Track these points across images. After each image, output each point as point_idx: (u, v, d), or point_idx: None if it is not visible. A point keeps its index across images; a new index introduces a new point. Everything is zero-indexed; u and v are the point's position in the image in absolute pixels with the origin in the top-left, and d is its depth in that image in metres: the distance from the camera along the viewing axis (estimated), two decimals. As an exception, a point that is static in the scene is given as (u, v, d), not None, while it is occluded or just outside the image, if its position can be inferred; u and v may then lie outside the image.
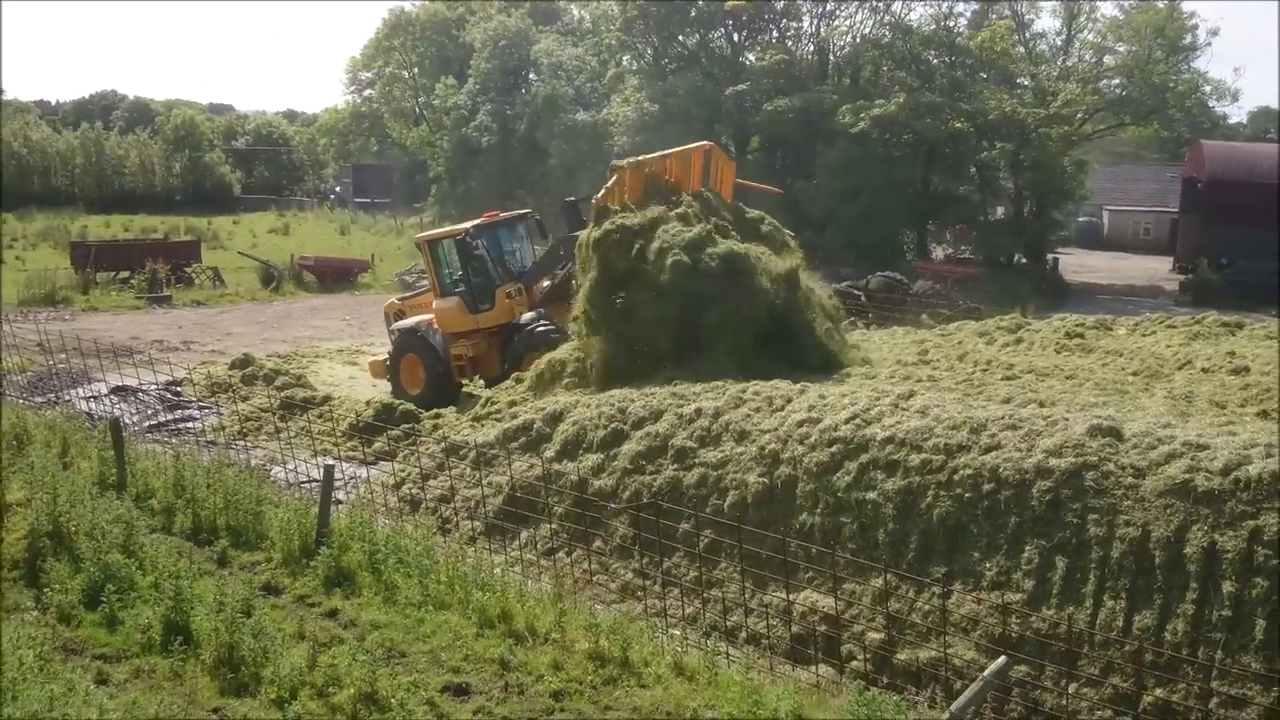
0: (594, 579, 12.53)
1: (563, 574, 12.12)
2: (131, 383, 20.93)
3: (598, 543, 12.98)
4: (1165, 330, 20.81)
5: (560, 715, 8.77)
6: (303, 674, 9.01)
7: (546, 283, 23.01)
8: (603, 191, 19.58)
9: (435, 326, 23.07)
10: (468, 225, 23.54)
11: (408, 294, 27.78)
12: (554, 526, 13.32)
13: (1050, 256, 50.78)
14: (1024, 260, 49.45)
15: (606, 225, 18.36)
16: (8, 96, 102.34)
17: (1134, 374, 17.07)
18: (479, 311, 22.85)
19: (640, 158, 20.84)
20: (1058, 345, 20.05)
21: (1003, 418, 11.60)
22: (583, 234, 19.36)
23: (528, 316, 22.20)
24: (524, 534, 13.50)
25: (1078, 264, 56.55)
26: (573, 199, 23.48)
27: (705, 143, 22.64)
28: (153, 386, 21.40)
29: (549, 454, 14.33)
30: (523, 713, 8.79)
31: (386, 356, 24.22)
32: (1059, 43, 54.25)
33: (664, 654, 9.73)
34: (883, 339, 23.39)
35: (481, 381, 22.87)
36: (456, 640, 9.97)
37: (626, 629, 9.94)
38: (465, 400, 21.77)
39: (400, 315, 25.06)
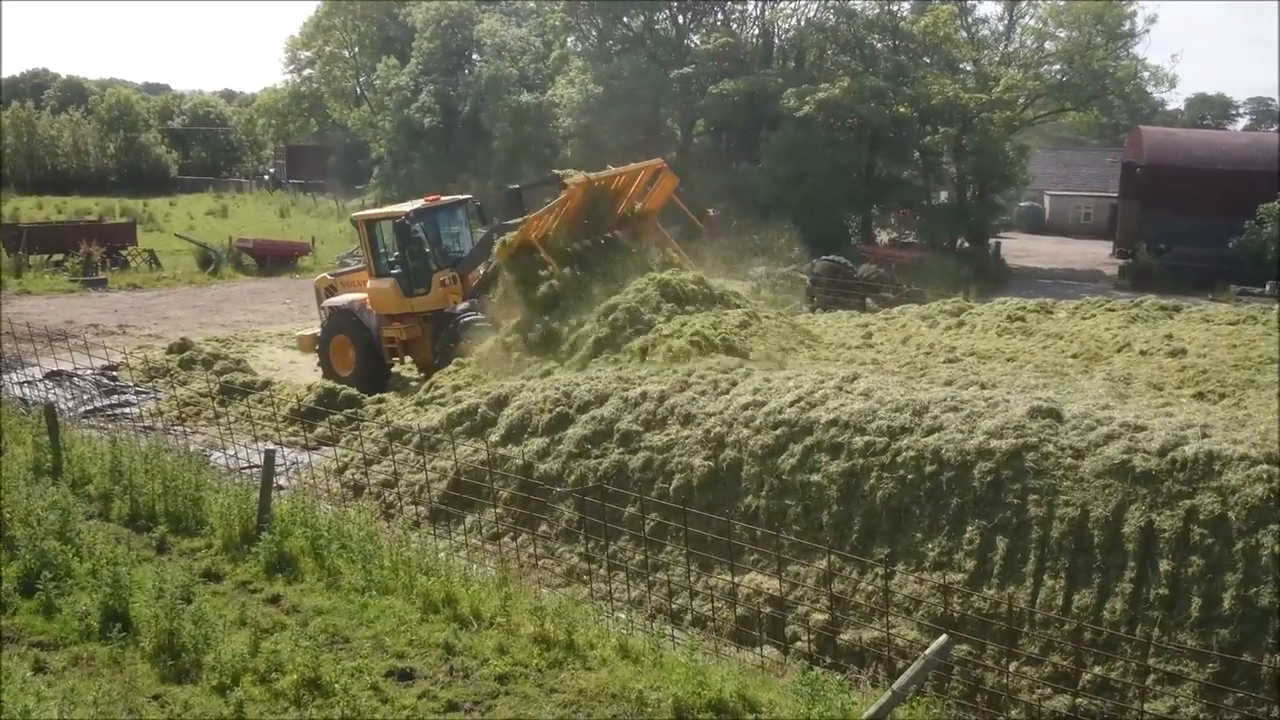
0: (539, 563, 12.50)
1: (508, 558, 12.08)
2: (66, 367, 20.54)
3: (543, 527, 12.95)
4: (1105, 313, 21.11)
5: (505, 698, 8.76)
6: (245, 660, 8.93)
7: (481, 270, 22.82)
8: (551, 204, 20.37)
9: (368, 307, 22.89)
10: (407, 209, 23.25)
11: (340, 270, 27.29)
12: (499, 511, 13.26)
13: (992, 241, 51.28)
14: (966, 244, 49.92)
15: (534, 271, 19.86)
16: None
17: (1074, 356, 17.32)
18: (414, 295, 22.58)
19: (592, 175, 21.10)
20: (999, 328, 20.28)
21: (945, 400, 11.70)
22: (510, 236, 20.45)
23: (461, 306, 22.01)
24: (469, 519, 13.43)
25: (1019, 248, 57.21)
26: (516, 186, 23.39)
27: (657, 161, 23.12)
28: (88, 371, 21.01)
29: (494, 438, 14.25)
30: (468, 696, 8.77)
31: (317, 331, 23.95)
32: (1001, 28, 54.80)
33: (609, 637, 9.73)
34: (827, 322, 23.53)
35: (410, 362, 22.97)
36: (400, 625, 9.91)
37: (572, 612, 9.92)
38: (397, 383, 21.81)
39: (331, 291, 24.71)
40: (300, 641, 9.07)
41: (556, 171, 21.01)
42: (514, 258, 20.35)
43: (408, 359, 23.20)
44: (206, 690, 8.69)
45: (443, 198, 24.57)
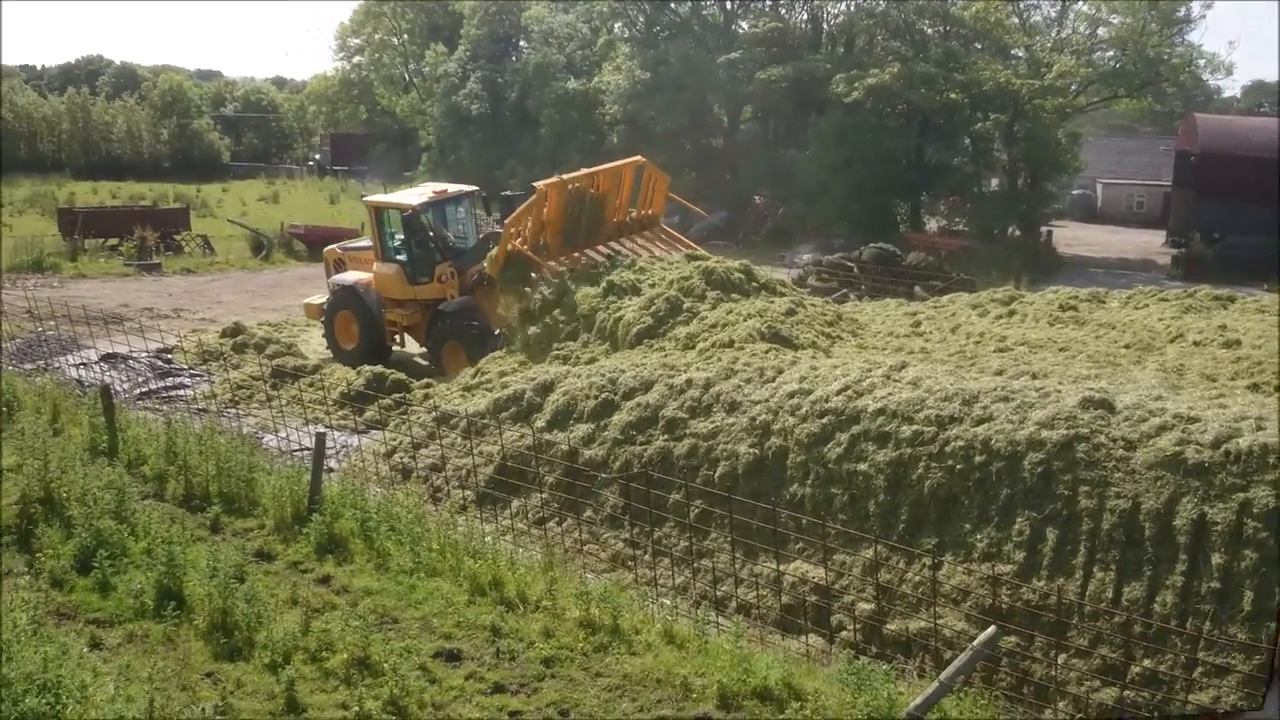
0: (584, 548, 12.56)
1: (553, 543, 12.14)
2: (122, 350, 20.86)
3: (588, 512, 13.01)
4: (1157, 303, 20.78)
5: (551, 681, 8.82)
6: (296, 639, 9.07)
7: (483, 264, 22.97)
8: (522, 208, 21.23)
9: (373, 289, 23.23)
10: (415, 201, 23.45)
11: (352, 245, 27.46)
12: (545, 496, 13.34)
13: (1044, 229, 50.59)
14: (1017, 232, 49.27)
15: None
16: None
17: (1126, 347, 17.10)
18: (418, 284, 22.93)
19: (565, 176, 21.70)
20: (1051, 318, 20.03)
21: (995, 390, 11.61)
22: (495, 250, 21.48)
23: (454, 304, 22.29)
24: (515, 503, 13.52)
25: (1071, 237, 56.44)
26: (509, 193, 24.19)
27: (637, 158, 23.68)
28: (143, 354, 21.32)
29: (540, 424, 14.33)
30: (514, 678, 8.84)
31: (324, 301, 24.29)
32: (1053, 14, 53.97)
33: (654, 622, 9.78)
34: (875, 310, 23.37)
35: (406, 340, 23.81)
36: (448, 607, 10.01)
37: (617, 597, 9.97)
38: (400, 361, 22.71)
39: (340, 265, 25.04)
40: (350, 621, 9.19)
41: (536, 184, 21.46)
42: (504, 271, 21.09)
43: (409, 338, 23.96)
44: (258, 668, 8.83)
45: (450, 189, 24.85)
